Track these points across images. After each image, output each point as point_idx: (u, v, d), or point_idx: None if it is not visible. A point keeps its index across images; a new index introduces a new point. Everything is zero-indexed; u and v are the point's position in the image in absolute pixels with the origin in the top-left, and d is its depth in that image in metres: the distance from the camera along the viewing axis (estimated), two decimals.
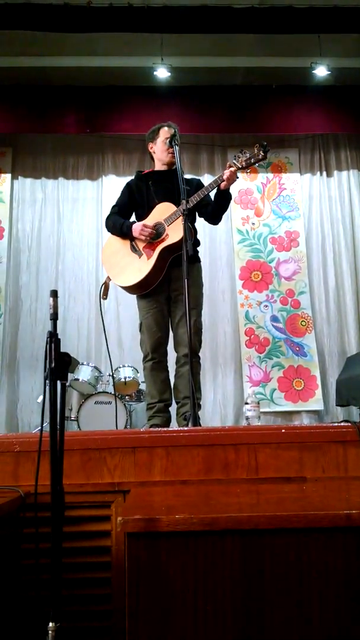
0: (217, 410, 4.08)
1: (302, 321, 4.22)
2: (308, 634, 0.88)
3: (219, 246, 4.34)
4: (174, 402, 2.38)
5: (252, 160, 2.20)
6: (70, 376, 3.37)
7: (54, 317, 1.08)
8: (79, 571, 1.31)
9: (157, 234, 2.31)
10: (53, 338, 1.05)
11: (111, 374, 3.13)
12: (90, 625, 1.29)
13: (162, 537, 0.89)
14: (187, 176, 2.54)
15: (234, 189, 2.34)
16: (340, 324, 4.27)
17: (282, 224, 4.39)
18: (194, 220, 2.42)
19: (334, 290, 4.32)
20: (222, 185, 2.23)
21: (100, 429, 2.11)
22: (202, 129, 4.27)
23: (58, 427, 1.03)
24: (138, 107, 4.13)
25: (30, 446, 1.40)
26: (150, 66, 3.88)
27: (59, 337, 1.07)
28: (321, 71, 3.93)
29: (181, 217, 2.12)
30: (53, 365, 1.04)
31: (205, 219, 2.47)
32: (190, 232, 2.19)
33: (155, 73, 3.91)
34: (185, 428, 1.86)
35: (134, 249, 2.37)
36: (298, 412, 4.04)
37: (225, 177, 2.20)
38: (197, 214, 2.45)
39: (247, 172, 2.36)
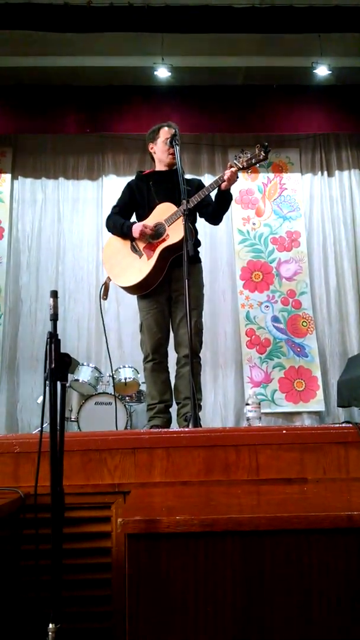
0: (217, 411, 4.07)
1: (303, 322, 4.21)
2: (308, 634, 0.88)
3: (220, 246, 4.34)
4: (174, 403, 2.38)
5: (253, 161, 2.20)
6: (70, 377, 3.37)
7: (54, 318, 1.08)
8: (79, 572, 1.30)
9: (157, 234, 2.31)
10: (53, 338, 1.05)
11: (111, 374, 3.13)
12: (91, 626, 1.29)
13: (163, 539, 0.88)
14: (188, 176, 2.54)
15: (234, 189, 2.33)
16: (341, 324, 4.26)
17: (283, 224, 4.39)
18: (194, 221, 2.41)
19: (335, 290, 4.32)
20: (223, 185, 2.23)
21: (101, 430, 2.11)
22: (203, 128, 4.27)
23: (58, 428, 1.03)
24: (138, 107, 4.13)
25: (30, 447, 1.39)
26: (150, 66, 3.88)
27: (59, 337, 1.07)
28: (322, 71, 3.93)
29: (182, 218, 2.12)
30: (53, 365, 1.04)
31: (206, 219, 2.47)
32: (191, 232, 2.19)
33: (155, 73, 3.91)
34: (186, 429, 1.86)
35: (134, 249, 2.37)
36: (299, 413, 4.04)
37: (226, 177, 2.20)
38: (197, 214, 2.45)
39: (248, 172, 2.35)
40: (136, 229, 2.32)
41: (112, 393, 3.22)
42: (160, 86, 4.07)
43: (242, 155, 2.22)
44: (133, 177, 2.55)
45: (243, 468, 1.41)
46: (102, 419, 3.09)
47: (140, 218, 2.42)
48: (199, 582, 0.89)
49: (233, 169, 2.20)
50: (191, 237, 2.13)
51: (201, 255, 2.46)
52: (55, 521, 1.00)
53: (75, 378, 3.39)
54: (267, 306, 4.24)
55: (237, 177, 2.25)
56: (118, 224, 2.40)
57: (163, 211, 2.32)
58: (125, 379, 3.38)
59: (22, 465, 1.40)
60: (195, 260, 2.35)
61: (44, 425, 1.09)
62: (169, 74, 3.92)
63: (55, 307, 1.08)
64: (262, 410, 3.16)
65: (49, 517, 1.00)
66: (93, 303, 4.18)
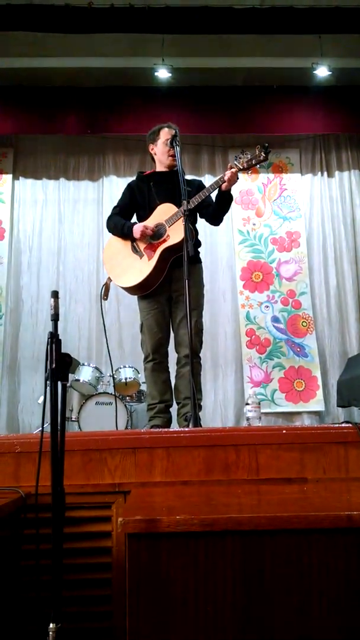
0: (217, 411, 4.07)
1: (303, 322, 4.21)
2: (308, 634, 0.88)
3: (220, 247, 4.34)
4: (174, 402, 2.38)
5: (253, 161, 2.20)
6: (71, 377, 3.37)
7: (55, 318, 1.08)
8: (79, 572, 1.31)
9: (158, 234, 2.31)
10: (54, 339, 1.05)
11: (112, 374, 3.13)
12: (91, 626, 1.29)
13: (163, 538, 0.89)
14: (188, 177, 2.54)
15: (234, 190, 2.34)
16: (341, 324, 4.27)
17: (283, 224, 4.39)
18: (195, 221, 2.42)
19: (335, 290, 4.32)
20: (224, 186, 2.23)
21: (101, 430, 2.11)
22: (203, 129, 4.27)
23: (59, 427, 1.03)
24: (139, 108, 4.13)
25: (31, 447, 1.40)
26: (151, 67, 3.88)
27: (60, 337, 1.07)
28: (322, 71, 3.93)
29: (182, 218, 2.12)
30: (54, 366, 1.04)
31: (206, 220, 2.47)
32: (191, 233, 2.19)
33: (156, 74, 3.91)
34: (186, 429, 1.86)
35: (135, 249, 2.37)
36: (299, 413, 4.04)
37: (226, 178, 2.20)
38: (198, 214, 2.45)
39: (248, 173, 2.35)
40: (137, 230, 2.33)
41: (113, 393, 3.23)
42: (160, 87, 4.08)
43: (242, 156, 2.22)
44: (134, 178, 2.55)
45: (243, 468, 1.41)
46: (102, 418, 3.09)
47: (140, 219, 2.43)
48: (199, 581, 0.89)
49: (233, 170, 2.20)
50: (191, 238, 2.13)
51: (201, 256, 2.46)
52: (55, 521, 1.00)
53: (76, 378, 3.39)
54: (267, 306, 4.24)
55: (238, 178, 2.26)
56: (119, 224, 2.40)
57: (163, 212, 2.32)
58: (126, 379, 3.39)
59: (23, 465, 1.40)
60: (196, 260, 2.36)
61: (44, 425, 1.09)
62: (170, 74, 3.92)
63: (56, 307, 1.08)
64: (262, 410, 3.16)
65: (49, 516, 1.00)
66: (94, 303, 4.18)
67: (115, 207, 2.51)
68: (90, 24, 3.51)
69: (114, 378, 3.24)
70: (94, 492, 1.37)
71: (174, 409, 2.38)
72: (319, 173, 4.53)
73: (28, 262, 4.31)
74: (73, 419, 3.29)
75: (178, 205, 2.24)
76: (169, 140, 2.35)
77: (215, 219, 2.44)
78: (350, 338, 4.22)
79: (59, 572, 1.00)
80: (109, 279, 2.45)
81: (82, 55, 3.91)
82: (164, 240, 2.29)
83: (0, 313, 4.15)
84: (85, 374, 3.43)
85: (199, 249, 2.42)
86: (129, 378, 3.39)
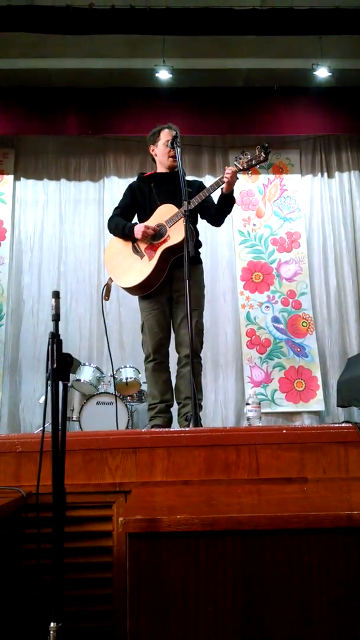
0: (218, 411, 4.08)
1: (303, 322, 4.22)
2: (309, 634, 0.88)
3: (220, 247, 4.35)
4: (175, 402, 2.38)
5: (254, 162, 2.21)
6: (72, 377, 3.38)
7: (56, 318, 1.08)
8: (80, 571, 1.31)
9: (158, 235, 2.32)
10: (55, 339, 1.06)
11: (113, 374, 3.14)
12: (92, 625, 1.30)
13: (164, 538, 0.89)
14: (189, 178, 2.55)
15: (235, 191, 2.35)
16: (341, 324, 4.27)
17: (283, 225, 4.39)
18: (195, 222, 2.42)
19: (335, 291, 4.32)
20: (225, 188, 2.24)
21: (102, 430, 2.11)
22: (204, 130, 4.27)
23: (60, 427, 1.04)
24: (140, 109, 4.14)
25: (32, 447, 1.40)
26: (152, 68, 3.88)
27: (61, 337, 1.07)
28: (322, 72, 3.93)
29: (183, 219, 2.13)
30: (55, 366, 1.04)
31: (208, 221, 2.48)
32: (192, 233, 2.20)
33: (157, 75, 3.92)
34: (187, 429, 1.86)
35: (135, 250, 2.38)
36: (299, 413, 4.04)
37: (225, 179, 2.20)
38: (198, 215, 2.45)
39: (248, 174, 2.36)
40: (137, 230, 2.33)
41: (114, 393, 3.23)
42: (161, 88, 4.08)
43: (243, 157, 2.23)
44: (134, 179, 2.56)
45: (243, 467, 1.42)
46: (103, 418, 3.10)
47: (141, 219, 2.43)
48: (199, 581, 0.89)
49: (232, 169, 2.21)
50: (192, 238, 2.14)
51: (202, 256, 2.46)
52: (56, 520, 1.01)
53: (77, 378, 3.39)
54: (268, 307, 4.24)
55: (237, 178, 2.26)
56: (120, 225, 2.41)
57: (164, 212, 2.33)
58: (127, 378, 3.39)
59: (24, 464, 1.41)
60: (196, 261, 2.36)
61: (45, 425, 1.10)
62: (170, 75, 3.93)
63: (57, 307, 1.09)
64: (262, 410, 3.17)
65: (50, 516, 1.01)
66: (94, 303, 4.19)
67: (116, 208, 2.51)
68: (91, 25, 3.52)
69: (114, 378, 3.24)
70: (94, 492, 1.38)
71: (174, 409, 2.39)
72: (319, 174, 4.54)
73: (29, 262, 4.31)
74: (74, 418, 3.30)
75: (179, 206, 2.25)
76: (169, 142, 2.35)
77: (216, 220, 2.45)
78: (350, 338, 4.22)
79: (60, 571, 1.00)
80: (110, 280, 2.46)
81: (83, 56, 3.92)
82: (165, 241, 2.29)
83: (1, 313, 4.16)
84: (86, 374, 3.43)
85: (200, 250, 2.43)
86: (130, 378, 3.40)
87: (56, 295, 1.09)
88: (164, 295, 2.36)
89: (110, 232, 2.49)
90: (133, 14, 3.48)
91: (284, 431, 1.48)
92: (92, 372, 3.46)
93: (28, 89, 4.18)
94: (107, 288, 2.47)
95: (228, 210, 2.39)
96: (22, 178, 4.47)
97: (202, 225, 2.51)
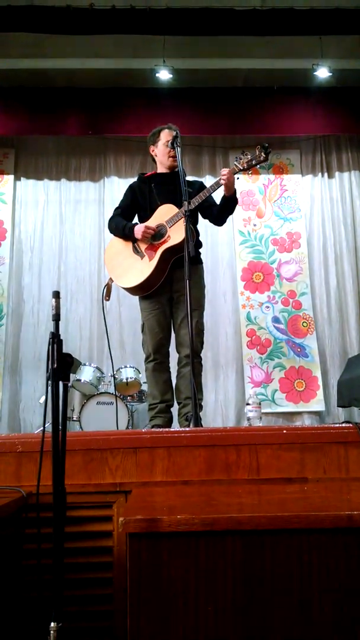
0: (218, 411, 4.08)
1: (304, 322, 4.22)
2: (308, 634, 0.88)
3: (221, 247, 4.35)
4: (175, 402, 2.38)
5: (254, 162, 2.21)
6: (72, 377, 3.38)
7: (56, 318, 1.08)
8: (80, 571, 1.31)
9: (159, 235, 2.32)
10: (55, 339, 1.06)
11: (113, 374, 3.14)
12: (92, 625, 1.30)
13: (164, 538, 0.89)
14: (190, 178, 2.55)
15: (236, 191, 2.34)
16: (341, 325, 4.27)
17: (284, 225, 4.39)
18: (195, 222, 2.42)
19: (335, 291, 4.32)
20: (225, 191, 2.24)
21: (102, 430, 2.11)
22: (204, 130, 4.27)
23: (60, 427, 1.04)
24: (140, 109, 4.14)
25: (33, 447, 1.40)
26: (152, 68, 3.88)
27: (61, 337, 1.07)
28: (322, 72, 3.93)
29: (183, 219, 2.13)
30: (55, 366, 1.04)
31: (210, 220, 2.48)
32: (192, 233, 2.20)
33: (157, 75, 3.92)
34: (187, 429, 1.86)
35: (136, 250, 2.38)
36: (299, 413, 4.04)
37: (222, 182, 2.20)
38: (200, 215, 2.46)
39: (248, 174, 2.36)
40: (138, 231, 2.34)
41: (114, 393, 3.23)
42: (161, 88, 4.08)
43: (243, 157, 2.23)
44: (135, 179, 2.56)
45: (244, 467, 1.42)
46: (103, 418, 3.10)
47: (142, 220, 2.43)
48: (199, 581, 0.89)
49: (228, 170, 2.21)
50: (192, 239, 2.14)
51: (202, 257, 2.46)
52: (57, 520, 1.01)
53: (77, 378, 3.40)
54: (268, 307, 4.24)
55: (238, 178, 2.26)
56: (120, 225, 2.41)
57: (164, 213, 2.33)
58: (127, 378, 3.39)
59: (25, 464, 1.41)
60: (197, 261, 2.36)
61: (46, 425, 1.10)
62: (171, 76, 3.93)
63: (57, 307, 1.09)
64: (263, 410, 3.16)
65: (50, 516, 1.01)
66: (95, 303, 4.19)
67: (116, 208, 2.52)
68: (91, 25, 3.52)
69: (115, 378, 3.25)
70: (95, 492, 1.38)
71: (174, 409, 2.39)
72: (320, 174, 4.54)
73: (29, 262, 4.32)
74: (74, 418, 3.30)
75: (179, 206, 2.25)
76: (169, 142, 2.35)
77: (218, 220, 2.45)
78: (351, 338, 4.23)
79: (60, 571, 1.00)
80: (111, 280, 2.46)
81: (83, 57, 3.92)
82: (165, 241, 2.29)
83: (1, 313, 4.16)
84: (86, 374, 3.43)
85: (200, 250, 2.43)
86: (130, 378, 3.40)
87: (56, 295, 1.09)
88: (164, 295, 2.36)
89: (111, 232, 2.50)
90: (133, 14, 3.48)
91: (285, 431, 1.48)
92: (93, 372, 3.46)
93: (28, 89, 4.18)
94: (108, 288, 2.47)
95: (231, 210, 2.39)
96: (22, 178, 4.47)
97: (203, 225, 2.52)
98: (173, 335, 2.42)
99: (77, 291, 4.25)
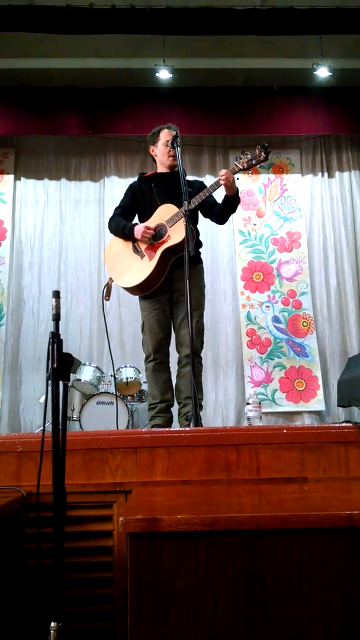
0: (218, 410, 4.08)
1: (304, 322, 4.22)
2: (308, 634, 0.88)
3: (221, 247, 4.35)
4: (175, 402, 2.38)
5: (254, 162, 2.21)
6: (72, 376, 3.37)
7: (56, 318, 1.08)
8: (80, 571, 1.31)
9: (159, 235, 2.32)
10: (55, 338, 1.06)
11: (113, 374, 3.14)
12: (92, 625, 1.30)
13: (164, 537, 0.89)
14: (190, 178, 2.55)
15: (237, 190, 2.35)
16: (341, 324, 4.27)
17: (284, 224, 4.39)
18: (195, 222, 2.42)
19: (335, 290, 4.33)
20: (226, 191, 2.24)
21: (102, 429, 2.11)
22: (204, 130, 4.28)
23: (60, 427, 1.04)
24: (140, 109, 4.14)
25: (33, 446, 1.40)
26: (152, 68, 3.88)
27: (61, 337, 1.07)
28: (323, 72, 3.93)
29: (183, 219, 2.13)
30: (55, 365, 1.04)
31: (211, 219, 2.48)
32: (192, 233, 2.19)
33: (157, 74, 3.92)
34: (187, 428, 1.86)
35: (136, 250, 2.38)
36: (299, 413, 4.04)
37: (222, 183, 2.19)
38: (201, 215, 2.45)
39: (249, 173, 2.36)
40: (138, 230, 2.33)
41: (114, 392, 3.23)
42: (161, 88, 4.08)
43: (243, 157, 2.22)
44: (135, 179, 2.56)
45: (244, 467, 1.42)
46: (103, 418, 3.10)
47: (142, 219, 2.43)
48: (199, 580, 0.89)
49: (226, 170, 2.21)
50: (192, 238, 2.13)
51: (202, 256, 2.46)
52: (57, 520, 1.01)
53: (77, 378, 3.40)
54: (268, 306, 4.24)
55: (238, 178, 2.26)
56: (120, 225, 2.41)
57: (165, 212, 2.33)
58: (127, 378, 3.39)
59: (25, 464, 1.41)
60: (197, 261, 2.36)
61: (46, 425, 1.10)
62: (171, 75, 3.93)
63: (57, 307, 1.09)
64: (263, 410, 3.17)
65: (51, 515, 1.01)
66: (95, 303, 4.19)
67: (117, 208, 2.52)
68: (91, 24, 3.52)
69: (115, 378, 3.25)
70: (95, 492, 1.38)
71: (175, 409, 2.39)
72: (320, 173, 4.54)
73: (29, 262, 4.32)
74: (74, 418, 3.30)
75: (179, 205, 2.25)
76: (169, 142, 2.35)
77: (220, 219, 2.45)
78: (351, 338, 4.23)
79: (60, 571, 1.00)
80: (111, 279, 2.46)
81: (83, 56, 3.92)
82: (165, 241, 2.29)
83: (1, 313, 4.16)
84: (86, 373, 3.43)
85: (200, 250, 2.42)
86: (130, 378, 3.40)
87: (56, 295, 1.09)
88: (164, 295, 2.36)
89: (111, 232, 2.50)
90: (133, 14, 3.48)
91: (285, 431, 1.48)
92: (93, 372, 3.46)
93: (28, 89, 4.19)
94: (108, 288, 2.47)
95: (233, 209, 2.39)
96: (22, 178, 4.47)
97: (203, 225, 2.52)
98: (173, 335, 2.42)
99: (77, 291, 4.25)
